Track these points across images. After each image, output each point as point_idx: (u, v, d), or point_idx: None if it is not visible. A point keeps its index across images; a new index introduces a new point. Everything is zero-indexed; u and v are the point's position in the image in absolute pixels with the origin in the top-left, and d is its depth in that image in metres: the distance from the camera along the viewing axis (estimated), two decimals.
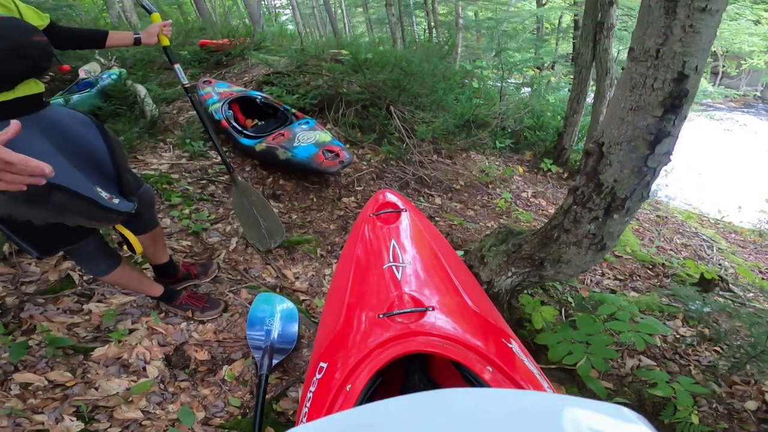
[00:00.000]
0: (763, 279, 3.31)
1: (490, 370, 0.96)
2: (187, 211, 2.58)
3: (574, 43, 5.41)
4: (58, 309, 1.78)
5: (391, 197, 1.65)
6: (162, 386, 1.58)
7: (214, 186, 2.95)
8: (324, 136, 3.04)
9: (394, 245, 1.37)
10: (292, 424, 1.57)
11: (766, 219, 5.09)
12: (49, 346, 1.58)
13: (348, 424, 0.48)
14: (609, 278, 2.89)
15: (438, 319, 1.14)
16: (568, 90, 5.37)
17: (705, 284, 2.70)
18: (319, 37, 13.14)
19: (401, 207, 1.59)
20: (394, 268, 1.28)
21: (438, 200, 3.52)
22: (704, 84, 12.88)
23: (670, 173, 6.50)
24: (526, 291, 1.84)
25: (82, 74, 3.65)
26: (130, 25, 6.34)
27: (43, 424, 1.35)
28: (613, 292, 2.78)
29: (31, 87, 1.13)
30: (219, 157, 2.45)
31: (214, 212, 2.67)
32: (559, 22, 10.65)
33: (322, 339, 1.26)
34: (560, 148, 4.48)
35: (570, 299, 2.43)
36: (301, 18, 11.91)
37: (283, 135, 3.04)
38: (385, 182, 3.51)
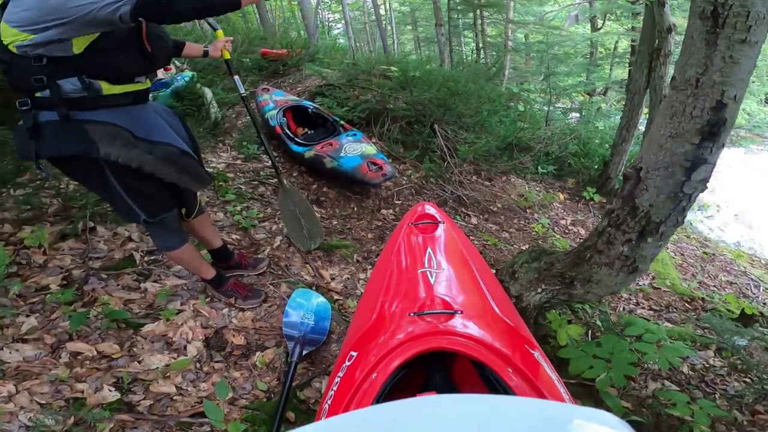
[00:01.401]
0: None
1: (510, 371, 1.02)
2: (239, 208, 2.80)
3: (629, 70, 5.31)
4: (118, 285, 1.98)
5: (430, 209, 1.76)
6: (198, 365, 1.73)
7: (263, 187, 3.16)
8: (369, 148, 3.17)
9: (429, 253, 1.48)
10: (313, 412, 1.66)
11: None
12: (107, 317, 1.76)
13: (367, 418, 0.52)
14: (643, 308, 2.82)
15: (465, 322, 1.22)
16: (620, 117, 5.31)
17: (745, 320, 2.60)
18: (369, 52, 13.56)
19: (439, 219, 1.69)
20: (428, 272, 1.39)
21: (474, 220, 3.56)
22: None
23: (722, 211, 6.15)
24: (554, 309, 1.88)
25: (159, 74, 4.03)
26: (201, 30, 6.87)
27: (82, 392, 1.44)
28: (646, 321, 2.71)
29: (147, 81, 1.41)
30: (270, 161, 2.67)
31: (263, 211, 2.88)
32: (615, 47, 10.45)
33: (355, 330, 1.38)
34: (605, 177, 4.38)
35: (598, 322, 2.41)
36: (353, 33, 12.40)
37: (331, 144, 3.21)
38: (423, 198, 3.60)
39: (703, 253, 3.99)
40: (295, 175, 3.48)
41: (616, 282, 1.53)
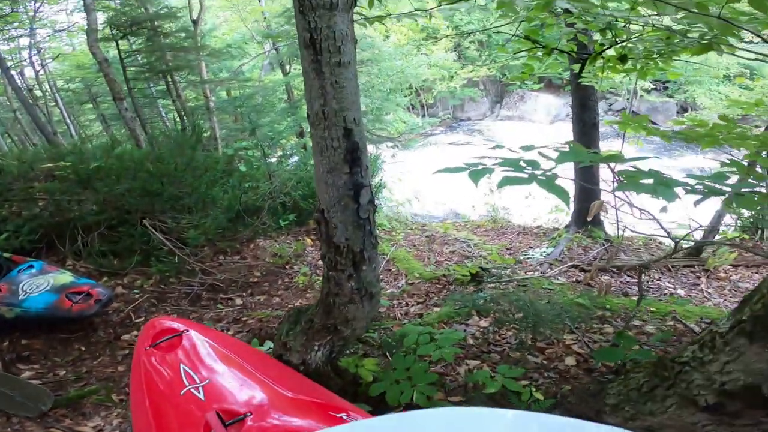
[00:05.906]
0: (509, 255, 4.33)
1: None
2: None
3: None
4: None
5: (167, 323, 1.58)
6: None
7: None
8: (62, 277, 2.68)
9: (184, 369, 1.29)
10: None
11: (490, 208, 6.70)
12: None
13: None
14: (413, 304, 3.21)
15: (261, 423, 1.12)
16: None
17: (476, 279, 3.34)
18: (32, 146, 10.82)
19: (181, 329, 1.51)
20: (192, 390, 1.20)
21: (239, 300, 3.39)
22: (414, 119, 16.66)
23: (420, 199, 7.94)
24: (343, 355, 1.93)
25: None
26: None
27: None
28: (421, 315, 3.05)
29: None
30: None
31: None
32: None
33: None
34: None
35: (389, 339, 2.61)
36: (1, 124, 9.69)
37: (0, 290, 2.53)
38: (170, 303, 3.24)
39: (426, 237, 5.01)
40: None
41: (367, 311, 1.64)
